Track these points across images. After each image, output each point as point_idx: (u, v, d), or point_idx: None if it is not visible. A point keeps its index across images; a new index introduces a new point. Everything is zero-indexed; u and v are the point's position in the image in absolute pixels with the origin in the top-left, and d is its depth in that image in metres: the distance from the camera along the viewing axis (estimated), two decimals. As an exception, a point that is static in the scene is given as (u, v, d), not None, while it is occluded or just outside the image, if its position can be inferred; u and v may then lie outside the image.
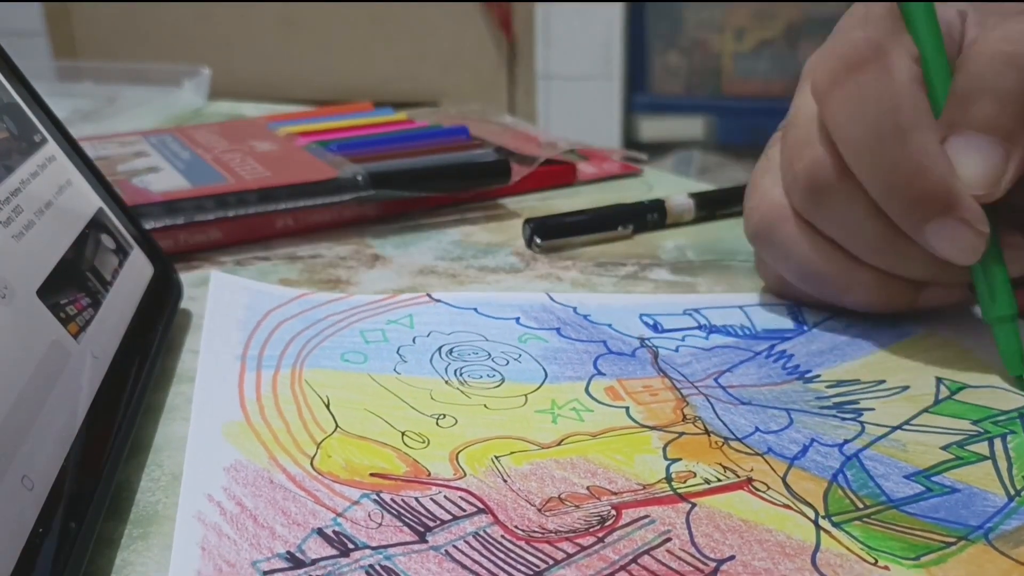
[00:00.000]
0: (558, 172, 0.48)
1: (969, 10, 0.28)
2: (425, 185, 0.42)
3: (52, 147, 0.29)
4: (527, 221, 0.39)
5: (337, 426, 0.24)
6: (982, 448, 0.23)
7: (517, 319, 0.30)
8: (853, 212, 0.27)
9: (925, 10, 0.27)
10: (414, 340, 0.29)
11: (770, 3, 1.64)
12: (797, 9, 1.63)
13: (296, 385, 0.26)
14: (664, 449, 0.24)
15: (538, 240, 0.38)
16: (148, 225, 0.35)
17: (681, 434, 0.24)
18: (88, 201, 0.30)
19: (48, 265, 0.25)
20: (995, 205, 0.26)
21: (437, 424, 0.24)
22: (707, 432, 0.24)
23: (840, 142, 0.27)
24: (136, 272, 0.30)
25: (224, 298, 0.30)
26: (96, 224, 0.29)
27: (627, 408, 0.25)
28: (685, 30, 1.76)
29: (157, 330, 0.29)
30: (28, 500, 0.19)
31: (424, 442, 0.24)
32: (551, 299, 0.32)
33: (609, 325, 0.30)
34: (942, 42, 0.27)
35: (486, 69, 1.88)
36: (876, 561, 0.19)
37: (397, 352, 0.28)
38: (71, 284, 0.26)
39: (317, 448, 0.23)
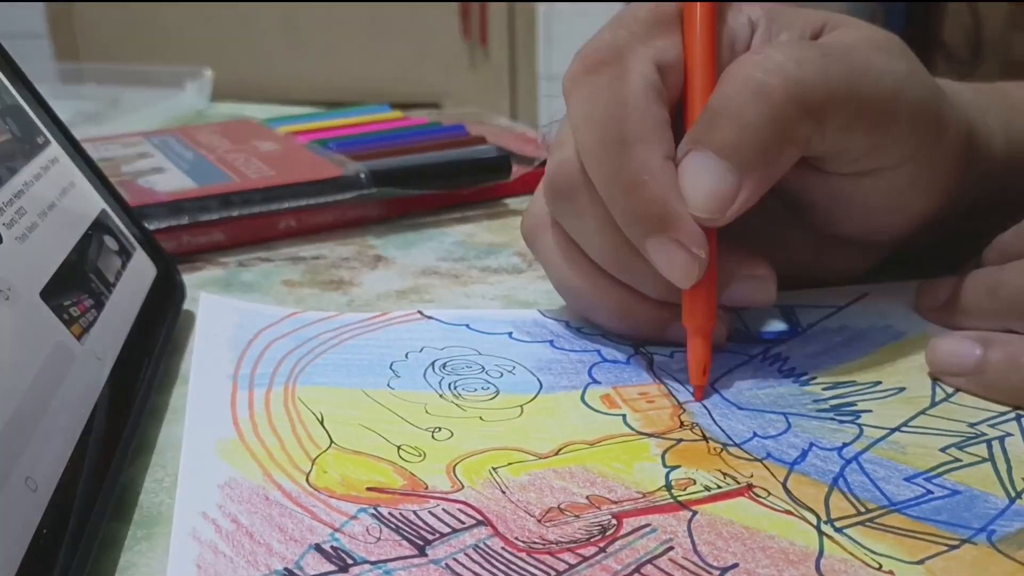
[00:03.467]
0: (560, 173, 0.48)
1: (762, 20, 0.28)
2: (427, 182, 0.42)
3: (55, 149, 0.29)
4: None
5: (332, 442, 0.24)
6: (980, 450, 0.23)
7: (510, 334, 0.30)
8: (590, 218, 0.27)
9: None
10: (407, 355, 0.28)
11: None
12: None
13: (289, 402, 0.26)
14: (663, 456, 0.23)
15: None
16: (152, 226, 0.35)
17: (679, 441, 0.24)
18: (91, 203, 0.30)
19: (51, 267, 0.25)
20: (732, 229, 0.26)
21: (433, 437, 0.24)
22: (705, 438, 0.24)
23: (577, 145, 0.26)
24: (139, 273, 0.31)
25: (214, 319, 0.30)
26: (99, 225, 0.29)
27: (624, 416, 0.25)
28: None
29: (160, 331, 0.30)
30: (32, 502, 0.19)
31: (420, 455, 0.23)
32: (542, 315, 0.32)
33: (602, 334, 0.30)
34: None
35: (488, 70, 1.88)
36: (880, 566, 0.19)
37: (390, 368, 0.28)
38: (74, 286, 0.26)
39: (312, 464, 0.23)
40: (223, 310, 0.30)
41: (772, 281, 0.27)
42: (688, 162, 0.25)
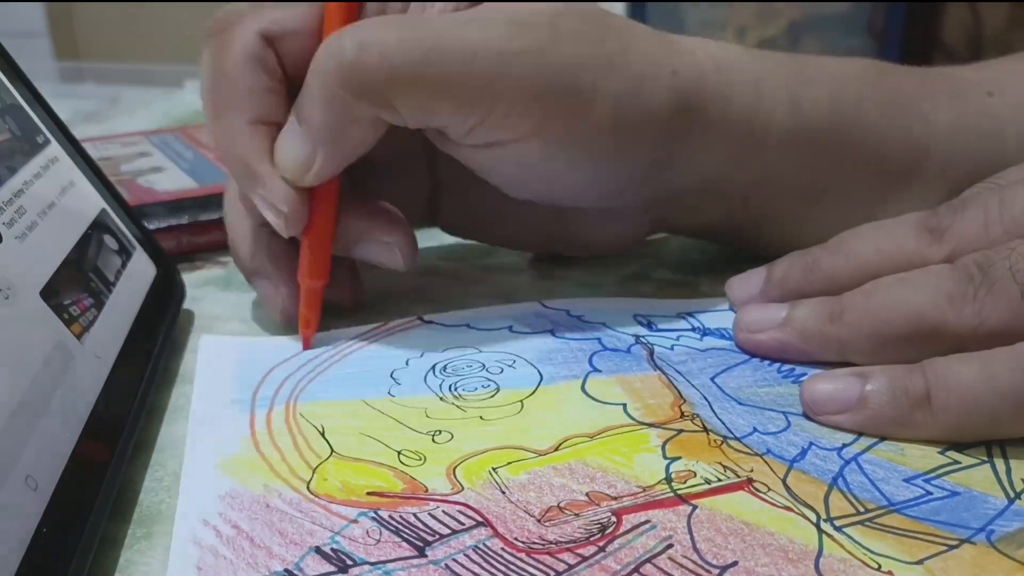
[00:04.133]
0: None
1: None
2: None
3: (55, 148, 0.29)
4: None
5: (332, 451, 0.24)
6: (979, 452, 0.23)
7: (510, 327, 0.30)
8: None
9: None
10: (407, 362, 0.28)
11: (771, 2, 1.64)
12: (798, 8, 1.62)
13: (291, 419, 0.26)
14: (663, 447, 0.23)
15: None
16: (152, 226, 0.35)
17: (680, 431, 0.24)
18: (91, 202, 0.30)
19: (51, 266, 0.25)
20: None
21: (433, 440, 0.24)
22: (706, 430, 0.24)
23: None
24: (139, 273, 0.31)
25: (215, 356, 0.29)
26: (99, 225, 0.29)
27: (624, 405, 0.25)
28: (687, 29, 1.76)
29: (160, 330, 0.30)
30: (32, 500, 0.19)
31: (420, 459, 0.23)
32: (543, 306, 0.32)
33: (603, 323, 0.30)
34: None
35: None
36: (879, 566, 0.19)
37: (391, 376, 0.28)
38: (74, 285, 0.26)
39: (313, 472, 0.23)
40: (225, 348, 0.30)
41: (399, 248, 0.30)
42: (285, 127, 0.27)
